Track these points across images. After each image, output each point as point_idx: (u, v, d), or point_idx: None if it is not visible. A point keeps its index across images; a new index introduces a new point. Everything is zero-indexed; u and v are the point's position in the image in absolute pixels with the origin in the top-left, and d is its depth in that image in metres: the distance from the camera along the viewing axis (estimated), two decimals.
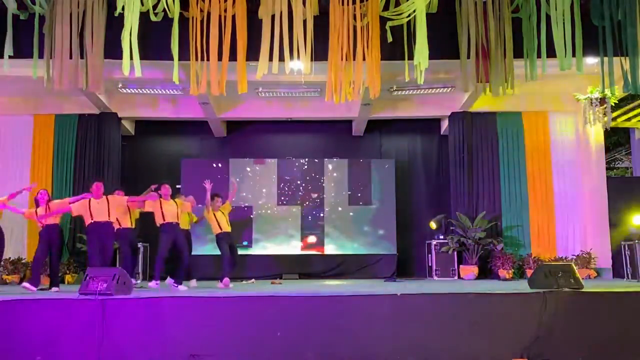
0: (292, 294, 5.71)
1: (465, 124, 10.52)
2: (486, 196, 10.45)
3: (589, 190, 10.28)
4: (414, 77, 7.21)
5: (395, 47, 7.47)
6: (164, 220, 7.40)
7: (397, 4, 7.41)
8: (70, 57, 7.14)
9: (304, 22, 7.20)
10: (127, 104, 10.50)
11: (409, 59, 7.41)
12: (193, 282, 7.95)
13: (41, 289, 7.16)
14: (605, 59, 7.27)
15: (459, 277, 10.00)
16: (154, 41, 7.39)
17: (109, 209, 7.12)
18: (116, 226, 7.43)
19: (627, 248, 8.92)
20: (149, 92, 9.82)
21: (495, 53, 7.37)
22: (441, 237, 10.35)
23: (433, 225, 10.65)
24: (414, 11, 7.12)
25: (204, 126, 11.03)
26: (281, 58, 7.15)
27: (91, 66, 7.18)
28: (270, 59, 7.17)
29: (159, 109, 10.65)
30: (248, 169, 11.14)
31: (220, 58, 7.22)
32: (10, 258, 9.44)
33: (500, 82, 7.42)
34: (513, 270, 9.65)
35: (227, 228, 7.93)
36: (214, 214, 7.83)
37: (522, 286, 6.33)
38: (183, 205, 7.78)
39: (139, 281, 9.05)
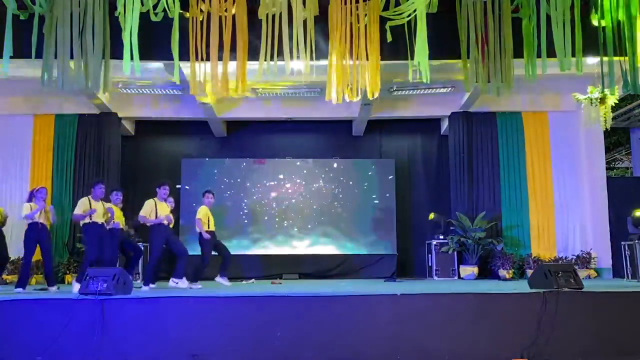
0: (292, 294, 5.71)
1: (465, 124, 10.53)
2: (486, 196, 10.45)
3: (589, 190, 10.29)
4: (416, 77, 7.21)
5: (395, 47, 7.46)
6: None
7: (397, 4, 7.40)
8: (71, 57, 7.13)
9: (304, 22, 7.19)
10: (127, 104, 10.50)
11: (408, 59, 7.41)
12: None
13: (44, 289, 7.19)
14: (605, 59, 7.27)
15: (459, 277, 10.00)
16: (154, 41, 7.40)
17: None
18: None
19: (627, 248, 8.92)
20: (149, 92, 9.82)
21: (495, 53, 7.37)
22: (441, 237, 10.35)
23: (432, 216, 10.62)
24: (414, 11, 7.11)
25: (204, 126, 11.03)
26: (281, 58, 7.15)
27: (92, 66, 7.18)
28: (271, 59, 7.16)
29: (159, 109, 10.65)
30: (248, 168, 11.14)
31: (220, 58, 7.22)
32: (10, 258, 9.43)
33: (500, 82, 7.42)
34: (513, 270, 9.65)
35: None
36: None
37: (522, 286, 6.33)
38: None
39: (139, 281, 9.04)
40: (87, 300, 5.29)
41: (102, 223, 7.24)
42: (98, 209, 7.20)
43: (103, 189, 7.38)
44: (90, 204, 7.19)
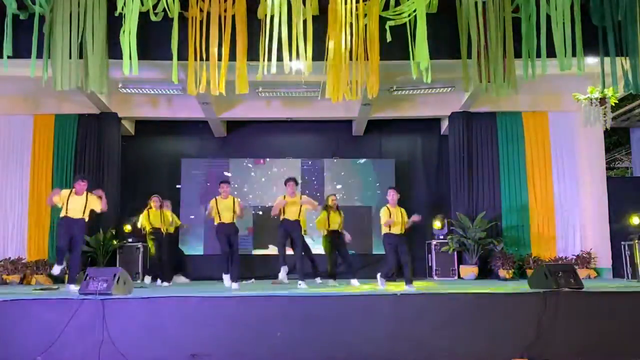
0: (292, 294, 5.71)
1: (465, 124, 10.52)
2: (486, 196, 10.45)
3: (589, 190, 10.28)
4: (419, 77, 7.21)
5: (395, 47, 7.45)
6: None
7: (397, 4, 7.40)
8: (70, 57, 7.13)
9: (304, 22, 7.19)
10: (127, 104, 10.49)
11: (409, 59, 7.40)
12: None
13: (44, 289, 7.18)
14: (605, 59, 7.27)
15: (459, 277, 10.00)
16: (154, 41, 7.39)
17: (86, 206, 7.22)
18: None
19: (627, 248, 8.92)
20: (148, 92, 9.82)
21: (495, 53, 7.37)
22: (441, 237, 10.34)
23: (438, 224, 10.57)
24: (414, 11, 7.11)
25: (204, 126, 11.03)
26: (281, 58, 7.14)
27: (92, 66, 7.18)
28: (270, 59, 7.16)
29: (159, 109, 10.65)
30: (248, 169, 11.13)
31: (220, 58, 7.22)
32: (10, 258, 9.45)
33: (501, 82, 7.42)
34: (513, 270, 9.65)
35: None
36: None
37: (522, 286, 6.34)
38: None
39: (138, 281, 9.06)
40: (87, 300, 5.29)
41: (80, 218, 7.16)
42: (75, 204, 7.13)
43: (82, 185, 7.24)
44: (68, 197, 7.11)
